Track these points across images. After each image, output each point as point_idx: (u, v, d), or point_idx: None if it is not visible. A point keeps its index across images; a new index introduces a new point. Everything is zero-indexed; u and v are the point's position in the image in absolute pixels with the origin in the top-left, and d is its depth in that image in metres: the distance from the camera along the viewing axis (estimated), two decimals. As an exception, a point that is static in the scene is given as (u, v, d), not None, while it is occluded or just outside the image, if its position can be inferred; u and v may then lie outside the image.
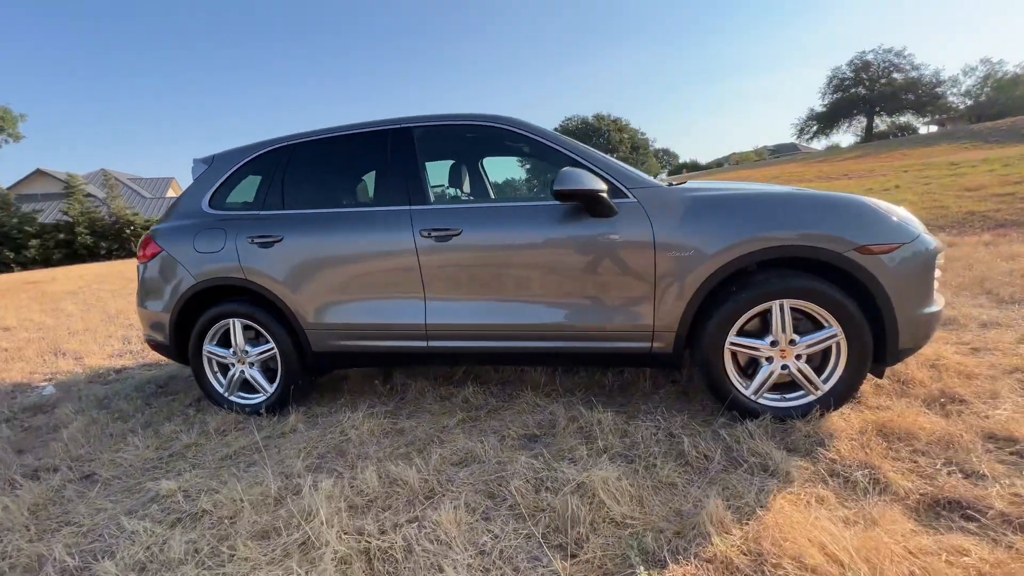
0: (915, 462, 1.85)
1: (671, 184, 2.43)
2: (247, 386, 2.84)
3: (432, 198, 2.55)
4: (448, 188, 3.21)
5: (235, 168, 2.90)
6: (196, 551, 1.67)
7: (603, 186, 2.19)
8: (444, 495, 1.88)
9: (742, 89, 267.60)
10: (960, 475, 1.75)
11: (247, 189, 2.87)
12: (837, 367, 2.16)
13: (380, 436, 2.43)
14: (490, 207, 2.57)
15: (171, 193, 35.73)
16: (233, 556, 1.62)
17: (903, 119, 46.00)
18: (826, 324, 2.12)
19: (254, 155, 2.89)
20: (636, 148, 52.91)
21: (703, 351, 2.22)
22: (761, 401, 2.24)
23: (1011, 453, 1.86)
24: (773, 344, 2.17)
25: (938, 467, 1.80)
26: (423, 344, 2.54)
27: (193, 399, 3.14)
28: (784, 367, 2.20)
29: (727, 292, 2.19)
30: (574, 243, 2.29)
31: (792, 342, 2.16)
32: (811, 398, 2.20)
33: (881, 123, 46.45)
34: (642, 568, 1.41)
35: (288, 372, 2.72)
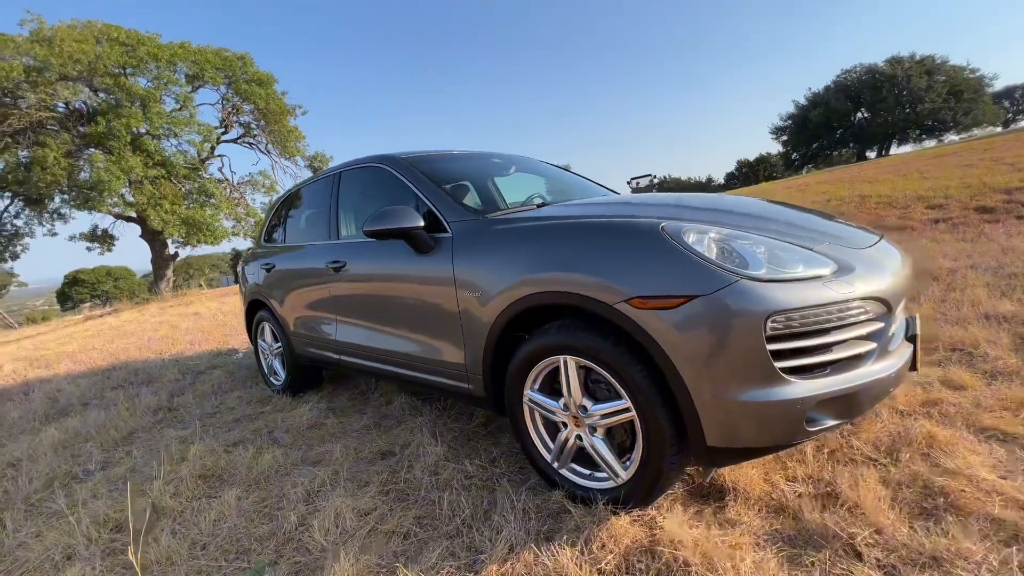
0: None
1: (543, 204, 2.19)
2: (272, 371, 3.84)
3: (342, 234, 2.95)
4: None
5: (275, 209, 3.92)
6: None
7: (415, 224, 2.18)
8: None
9: None
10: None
11: (275, 227, 3.85)
12: (636, 453, 1.64)
13: (317, 422, 3.02)
14: (363, 242, 2.70)
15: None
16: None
17: None
18: (621, 393, 1.64)
19: (283, 198, 3.84)
20: (957, 93, 38.76)
21: (508, 402, 2.00)
22: (563, 472, 1.87)
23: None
24: (566, 408, 1.80)
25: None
26: (337, 357, 3.00)
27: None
28: (579, 437, 1.80)
29: (521, 339, 1.91)
30: (406, 278, 2.35)
31: (584, 408, 1.75)
32: (609, 484, 1.73)
33: None
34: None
35: (289, 366, 3.58)
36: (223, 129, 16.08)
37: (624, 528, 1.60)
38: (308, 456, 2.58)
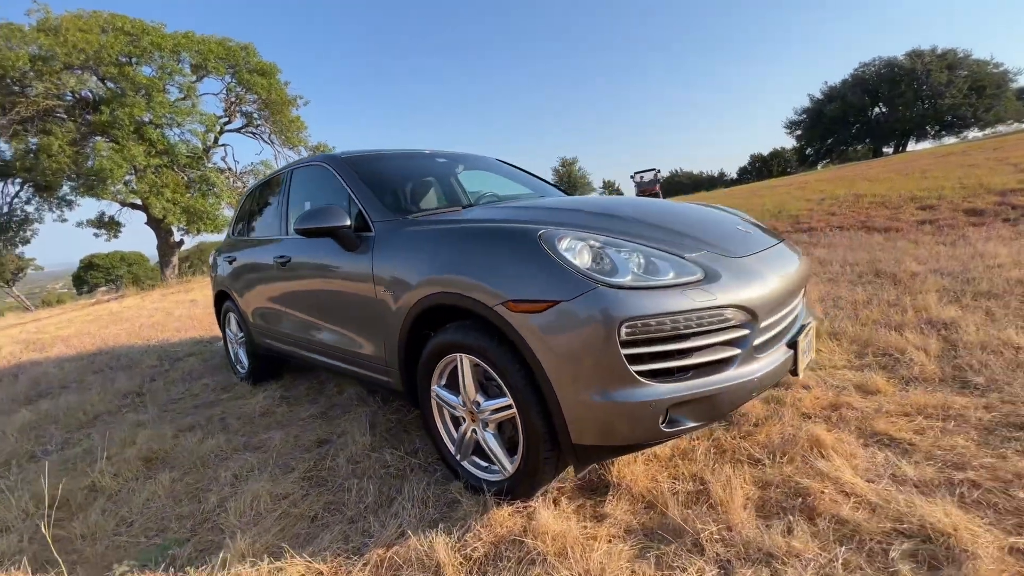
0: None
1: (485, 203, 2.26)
2: (238, 359, 3.98)
3: (290, 230, 3.04)
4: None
5: (241, 203, 4.03)
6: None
7: (341, 223, 2.27)
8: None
9: None
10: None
11: (240, 221, 3.96)
12: (519, 448, 1.73)
13: (267, 410, 3.15)
14: (305, 239, 2.71)
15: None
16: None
17: None
18: (505, 391, 1.72)
19: (248, 193, 3.95)
20: (979, 89, 37.71)
21: (419, 396, 2.09)
22: (464, 464, 1.97)
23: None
24: (464, 403, 1.89)
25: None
26: (288, 348, 3.11)
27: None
28: (475, 431, 1.89)
29: (427, 337, 2.00)
30: (337, 274, 2.44)
31: (477, 404, 1.83)
32: (499, 477, 1.83)
33: None
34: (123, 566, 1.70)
35: (250, 355, 3.71)
36: (227, 119, 16.31)
37: (504, 518, 1.69)
38: (250, 443, 2.71)
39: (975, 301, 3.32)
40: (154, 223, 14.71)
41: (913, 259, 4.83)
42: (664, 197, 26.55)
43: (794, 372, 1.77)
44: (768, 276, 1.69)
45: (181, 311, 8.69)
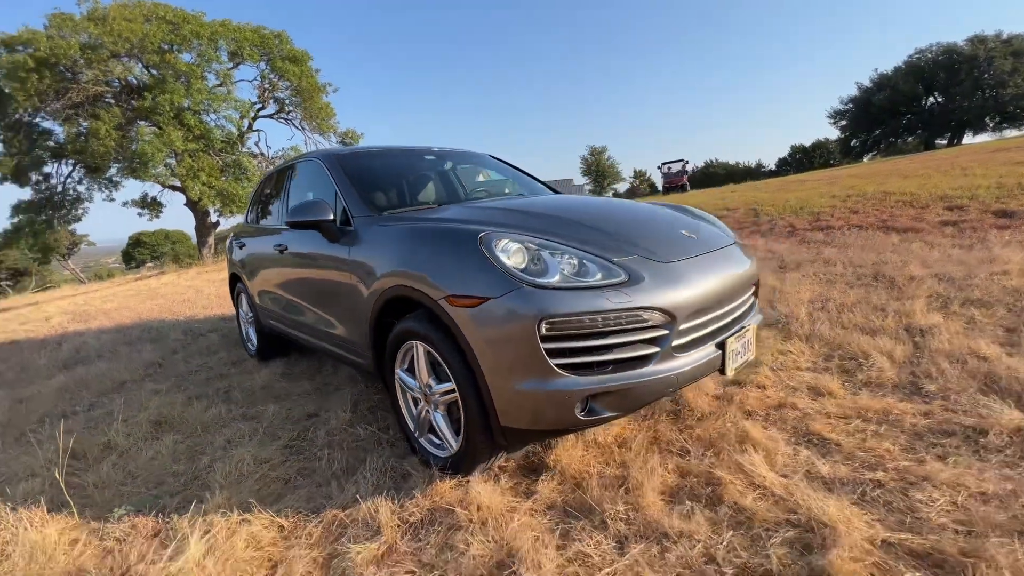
0: None
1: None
2: (248, 337, 4.30)
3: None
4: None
5: (255, 191, 4.31)
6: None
7: (325, 217, 2.48)
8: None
9: None
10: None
11: (252, 208, 4.25)
12: (462, 428, 1.91)
13: (268, 384, 3.45)
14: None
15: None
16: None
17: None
18: (450, 377, 1.91)
19: (261, 182, 4.23)
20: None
21: (386, 378, 2.30)
22: (421, 441, 2.17)
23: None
24: (419, 386, 2.09)
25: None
26: (287, 330, 3.38)
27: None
28: (428, 411, 2.08)
29: (392, 324, 2.20)
30: (323, 263, 2.66)
31: (429, 387, 2.02)
32: (446, 453, 2.02)
33: None
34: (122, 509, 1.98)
35: (258, 334, 4.02)
36: (260, 105, 16.92)
37: (445, 490, 1.88)
38: (248, 413, 3.00)
39: (962, 308, 3.28)
40: (192, 204, 15.54)
41: (919, 262, 4.72)
42: (692, 188, 26.05)
43: (722, 371, 1.88)
44: (695, 280, 1.80)
45: (211, 289, 9.24)
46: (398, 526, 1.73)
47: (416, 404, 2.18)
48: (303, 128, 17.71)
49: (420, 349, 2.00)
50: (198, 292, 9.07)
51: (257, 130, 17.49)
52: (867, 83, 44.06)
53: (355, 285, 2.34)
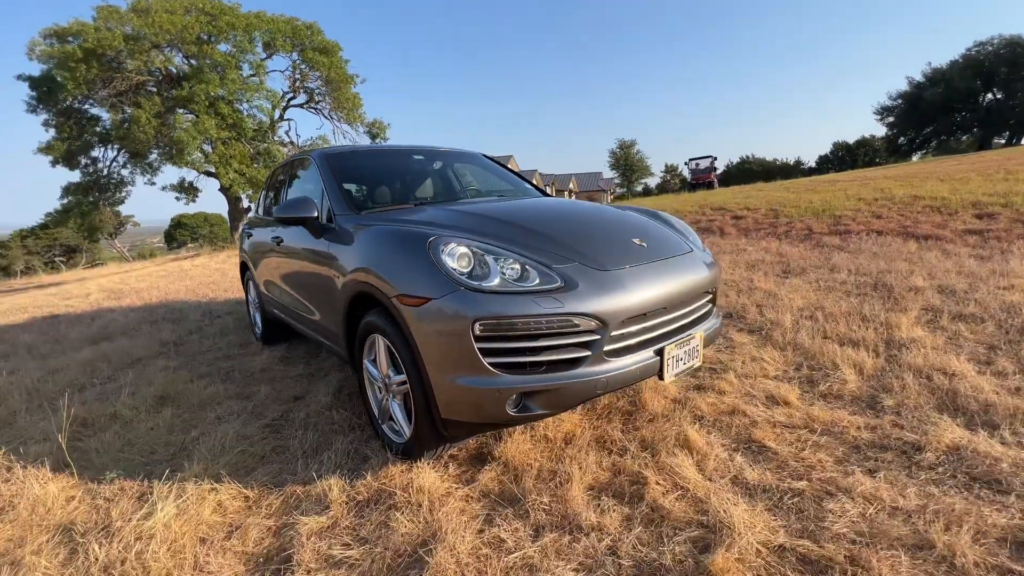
0: None
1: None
2: (255, 322, 4.57)
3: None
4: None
5: (265, 184, 4.55)
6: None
7: (310, 214, 2.65)
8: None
9: None
10: None
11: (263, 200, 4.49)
12: (413, 417, 2.05)
13: (267, 367, 3.69)
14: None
15: (509, 167, 44.55)
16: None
17: None
18: (403, 369, 2.05)
19: (270, 175, 4.46)
20: None
21: (357, 367, 2.47)
22: (383, 427, 2.33)
23: None
24: (381, 377, 2.24)
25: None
26: (284, 317, 3.60)
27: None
28: (387, 400, 2.23)
29: (360, 317, 2.35)
30: (308, 256, 2.84)
31: (388, 377, 2.17)
32: (401, 440, 2.17)
33: None
34: (113, 473, 2.21)
35: (262, 319, 4.27)
36: (292, 95, 17.46)
37: (395, 474, 2.04)
38: (243, 392, 3.23)
39: (951, 323, 3.21)
40: (224, 190, 16.24)
41: (926, 273, 4.58)
42: (721, 186, 25.37)
43: (660, 376, 1.95)
44: (632, 288, 1.87)
45: (235, 272, 9.71)
46: (346, 503, 1.89)
47: (379, 393, 2.33)
48: (332, 118, 18.18)
49: (381, 342, 2.15)
50: (223, 275, 9.55)
51: (288, 119, 18.08)
52: (918, 77, 41.67)
53: (332, 279, 2.50)
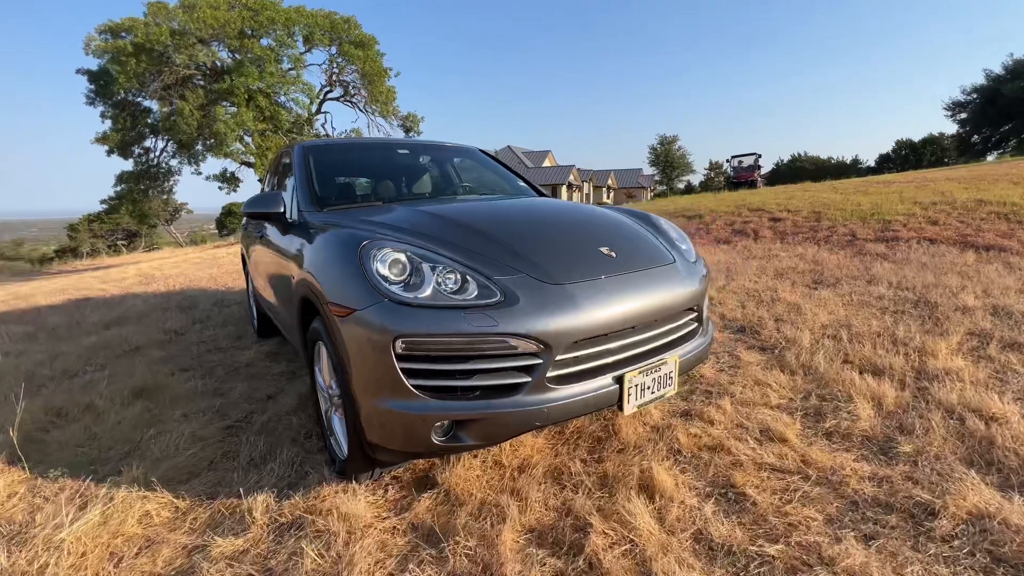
0: None
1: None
2: (253, 315, 4.56)
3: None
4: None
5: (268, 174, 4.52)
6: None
7: (275, 209, 2.53)
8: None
9: None
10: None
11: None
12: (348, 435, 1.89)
13: (252, 362, 3.65)
14: None
15: (547, 163, 44.29)
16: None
17: None
18: (343, 382, 1.88)
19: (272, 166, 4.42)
20: None
21: (311, 373, 2.33)
22: (330, 440, 2.18)
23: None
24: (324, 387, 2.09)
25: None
26: (267, 311, 3.54)
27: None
28: (331, 412, 2.08)
29: (310, 321, 2.20)
30: (277, 251, 2.72)
31: (331, 388, 2.02)
32: (343, 457, 2.01)
33: None
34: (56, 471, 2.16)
35: (256, 312, 4.25)
36: (329, 88, 17.80)
37: (327, 495, 1.88)
38: (219, 389, 3.18)
39: (999, 353, 2.76)
40: (261, 181, 16.81)
41: (980, 290, 4.03)
42: (767, 185, 24.04)
43: (620, 408, 1.70)
44: (585, 306, 1.62)
45: (261, 262, 9.95)
46: (267, 525, 1.75)
47: (325, 404, 2.19)
48: (367, 111, 18.42)
49: (323, 351, 1.99)
50: (249, 264, 9.80)
51: (324, 112, 18.45)
52: (996, 70, 38.07)
53: (291, 278, 2.37)
